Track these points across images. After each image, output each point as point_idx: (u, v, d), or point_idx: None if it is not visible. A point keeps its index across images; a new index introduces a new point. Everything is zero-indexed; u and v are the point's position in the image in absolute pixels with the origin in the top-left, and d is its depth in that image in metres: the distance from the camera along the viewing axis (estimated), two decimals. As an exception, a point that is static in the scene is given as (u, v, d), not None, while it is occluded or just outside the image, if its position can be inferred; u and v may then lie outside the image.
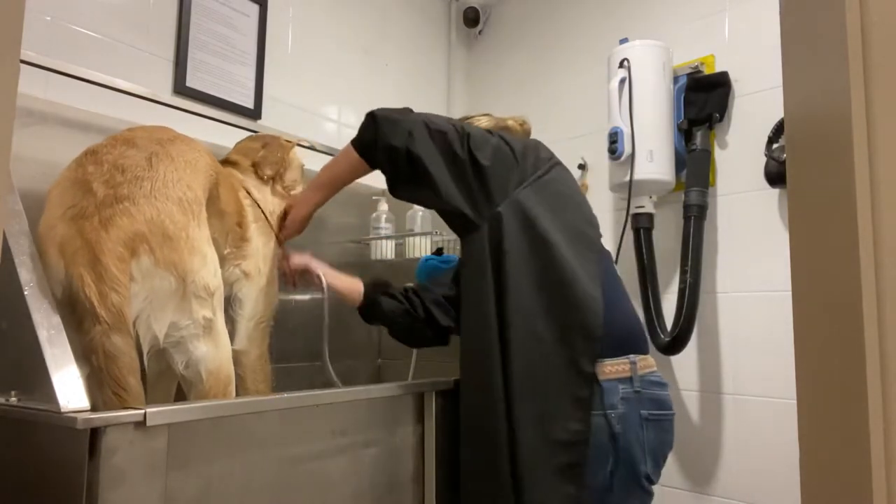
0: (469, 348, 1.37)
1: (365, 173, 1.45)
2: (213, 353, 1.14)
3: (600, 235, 1.47)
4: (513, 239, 1.34)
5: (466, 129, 1.40)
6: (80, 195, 1.08)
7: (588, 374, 1.29)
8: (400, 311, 1.50)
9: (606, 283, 1.37)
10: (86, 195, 1.07)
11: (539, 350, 1.30)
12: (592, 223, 1.47)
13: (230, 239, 1.36)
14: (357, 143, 1.41)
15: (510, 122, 1.62)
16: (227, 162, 1.57)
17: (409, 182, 1.38)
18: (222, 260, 1.28)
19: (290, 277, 1.57)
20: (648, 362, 1.37)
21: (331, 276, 1.55)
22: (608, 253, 1.49)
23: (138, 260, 1.05)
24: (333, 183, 1.49)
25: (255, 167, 1.58)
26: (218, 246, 1.25)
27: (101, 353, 1.00)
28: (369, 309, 1.53)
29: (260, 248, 1.45)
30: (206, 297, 1.12)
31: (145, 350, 1.07)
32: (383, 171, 1.41)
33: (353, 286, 1.55)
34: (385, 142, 1.35)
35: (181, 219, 1.11)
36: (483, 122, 1.58)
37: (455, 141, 1.36)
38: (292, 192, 1.64)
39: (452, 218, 1.41)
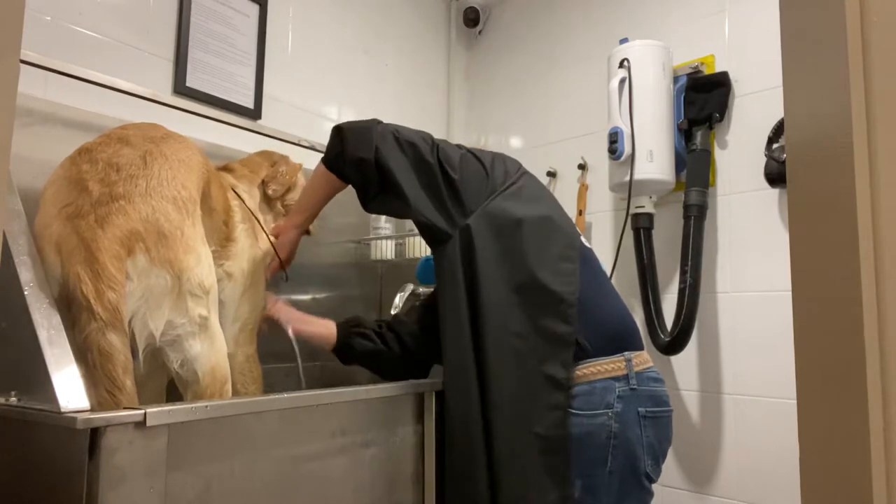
0: (448, 357, 1.36)
1: (339, 189, 1.44)
2: (209, 351, 1.14)
3: (579, 234, 1.46)
4: (484, 248, 1.33)
5: (435, 140, 1.40)
6: (76, 194, 1.07)
7: (559, 380, 1.28)
8: (374, 351, 1.47)
9: (589, 283, 1.37)
10: (81, 194, 1.07)
11: (512, 357, 1.29)
12: (567, 223, 1.46)
13: (216, 237, 1.35)
14: (326, 159, 1.41)
15: None
16: (224, 168, 1.58)
17: (379, 194, 1.38)
18: None
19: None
20: (644, 358, 1.36)
21: (299, 323, 1.50)
22: (590, 251, 1.47)
23: (134, 258, 1.05)
24: (312, 205, 1.49)
25: (265, 182, 1.59)
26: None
27: (96, 351, 0.99)
28: (343, 351, 1.49)
29: (246, 249, 1.43)
30: (201, 294, 1.12)
31: (140, 349, 1.07)
32: (354, 185, 1.41)
33: (324, 330, 1.50)
34: (353, 154, 1.35)
35: (176, 217, 1.11)
36: None
37: (425, 151, 1.36)
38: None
39: (423, 229, 1.40)
